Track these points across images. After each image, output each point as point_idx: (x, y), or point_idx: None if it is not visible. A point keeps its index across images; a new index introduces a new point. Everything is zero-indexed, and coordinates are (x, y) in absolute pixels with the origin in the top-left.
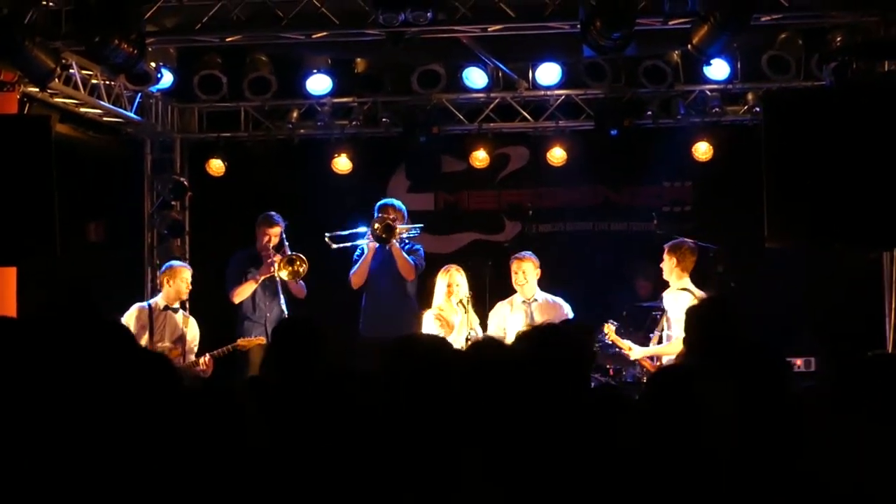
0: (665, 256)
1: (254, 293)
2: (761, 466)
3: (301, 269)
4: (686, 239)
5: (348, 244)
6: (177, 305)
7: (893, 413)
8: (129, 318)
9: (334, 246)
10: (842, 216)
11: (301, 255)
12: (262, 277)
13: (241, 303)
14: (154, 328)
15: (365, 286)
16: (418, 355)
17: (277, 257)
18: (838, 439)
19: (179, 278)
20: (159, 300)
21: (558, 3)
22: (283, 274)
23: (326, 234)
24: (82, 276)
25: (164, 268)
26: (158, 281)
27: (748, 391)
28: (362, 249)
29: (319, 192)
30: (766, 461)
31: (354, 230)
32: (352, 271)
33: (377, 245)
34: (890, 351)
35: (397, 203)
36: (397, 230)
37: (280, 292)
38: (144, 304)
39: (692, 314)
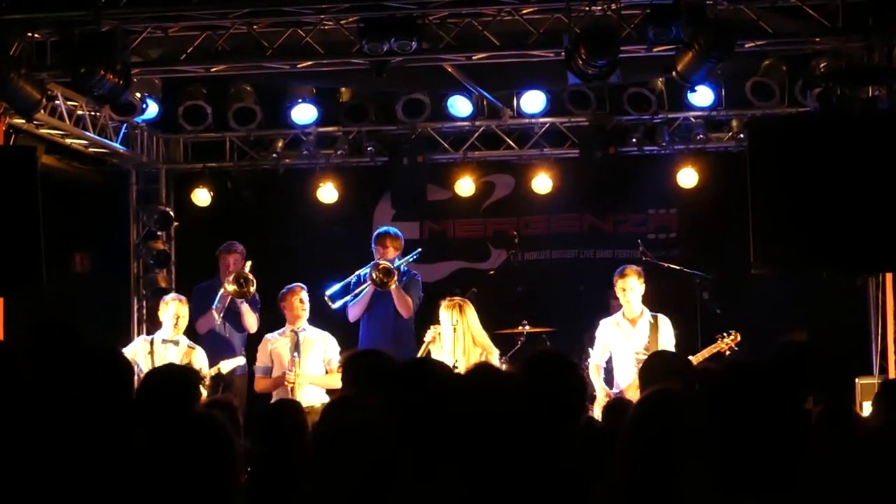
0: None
1: (223, 324)
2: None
3: (248, 289)
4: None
5: (349, 298)
6: (177, 338)
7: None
8: (132, 350)
9: (334, 305)
10: (827, 242)
11: (251, 278)
12: (222, 304)
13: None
14: (153, 361)
15: (362, 318)
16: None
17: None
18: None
19: (163, 311)
20: (159, 333)
21: (543, 31)
22: (230, 288)
23: (326, 294)
24: (68, 306)
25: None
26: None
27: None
28: (358, 277)
29: (305, 221)
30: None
31: (349, 279)
32: (350, 303)
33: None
34: (876, 376)
35: (393, 230)
36: (395, 273)
37: (240, 323)
38: (148, 336)
39: None
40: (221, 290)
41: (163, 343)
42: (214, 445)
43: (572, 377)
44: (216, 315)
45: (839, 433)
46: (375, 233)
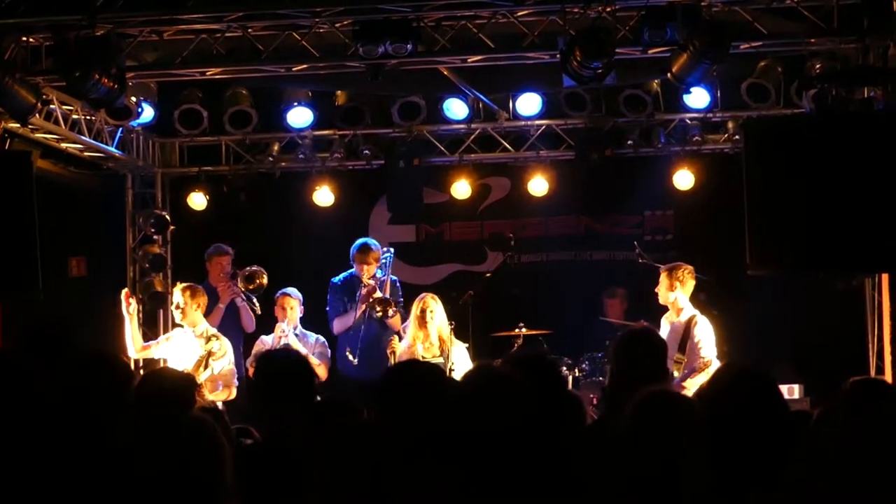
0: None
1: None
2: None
3: (262, 281)
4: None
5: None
6: (195, 327)
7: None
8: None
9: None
10: (824, 243)
11: (260, 269)
12: (226, 303)
13: None
14: (177, 353)
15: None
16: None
17: (239, 277)
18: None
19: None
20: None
21: (538, 34)
22: (241, 286)
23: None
24: (64, 310)
25: None
26: None
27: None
28: (334, 289)
29: (301, 225)
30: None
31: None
32: (335, 317)
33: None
34: (873, 377)
35: (367, 242)
36: (392, 302)
37: (238, 323)
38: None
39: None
40: (228, 292)
41: (184, 333)
42: (205, 448)
43: (550, 379)
44: (250, 315)
45: (834, 434)
46: (352, 249)
